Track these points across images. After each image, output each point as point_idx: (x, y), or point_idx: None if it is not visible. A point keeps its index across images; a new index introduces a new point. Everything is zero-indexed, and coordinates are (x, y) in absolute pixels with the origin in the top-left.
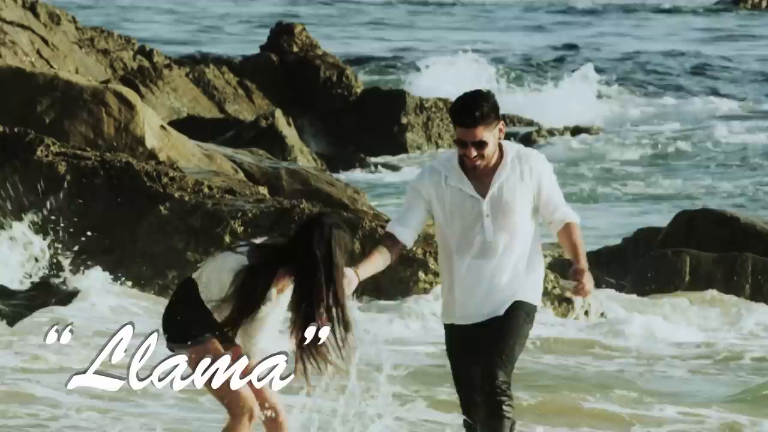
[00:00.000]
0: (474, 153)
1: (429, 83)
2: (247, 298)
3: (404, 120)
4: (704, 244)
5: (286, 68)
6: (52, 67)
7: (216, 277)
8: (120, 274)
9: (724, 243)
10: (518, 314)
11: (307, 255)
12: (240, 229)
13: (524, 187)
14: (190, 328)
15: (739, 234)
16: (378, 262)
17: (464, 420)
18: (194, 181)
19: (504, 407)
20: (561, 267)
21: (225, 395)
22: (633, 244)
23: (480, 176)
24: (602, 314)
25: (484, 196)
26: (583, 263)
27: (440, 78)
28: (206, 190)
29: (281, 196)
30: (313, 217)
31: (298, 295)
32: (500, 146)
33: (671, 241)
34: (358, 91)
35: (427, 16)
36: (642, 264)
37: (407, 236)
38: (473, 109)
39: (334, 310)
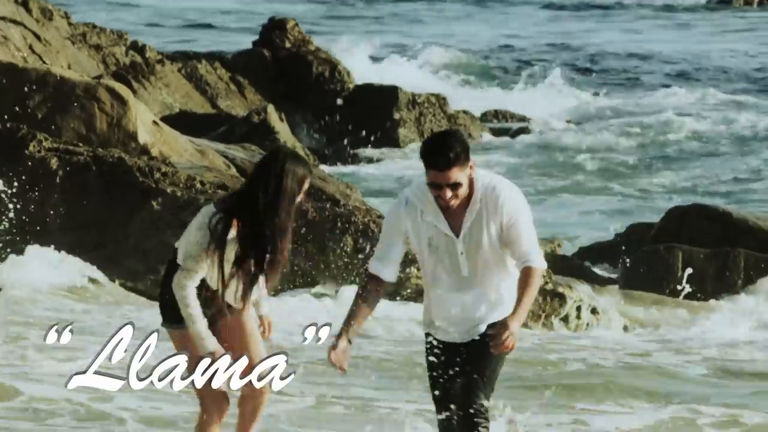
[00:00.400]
0: (449, 194)
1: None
2: (220, 244)
3: (396, 115)
4: (697, 239)
5: (278, 64)
6: (44, 62)
7: (185, 237)
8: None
9: (717, 238)
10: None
11: (260, 182)
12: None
13: (493, 224)
14: (177, 307)
15: (732, 229)
16: (366, 312)
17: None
18: (186, 177)
19: (480, 429)
20: (554, 262)
21: (202, 388)
22: (625, 240)
23: (453, 213)
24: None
25: (458, 233)
26: (517, 317)
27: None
28: (198, 185)
29: None
30: (270, 151)
31: (246, 217)
32: (471, 181)
33: (663, 237)
34: (351, 86)
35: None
36: (634, 259)
37: (391, 274)
38: (447, 151)
39: (276, 234)
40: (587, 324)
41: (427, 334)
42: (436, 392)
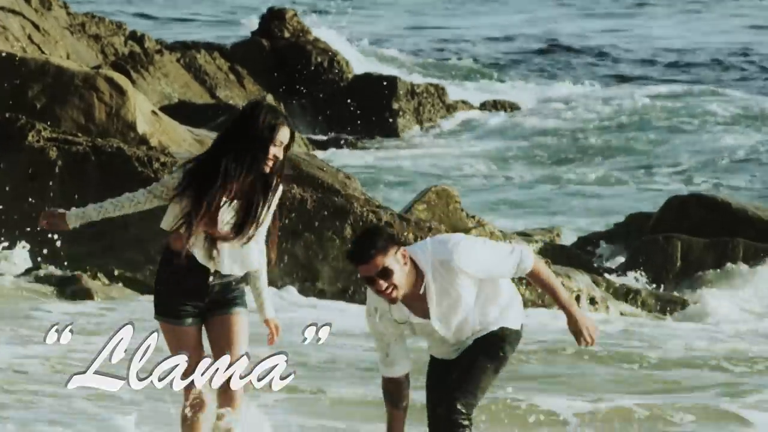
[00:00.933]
0: (384, 285)
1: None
2: (199, 184)
3: (395, 105)
4: (695, 229)
5: (277, 53)
6: (43, 52)
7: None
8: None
9: (716, 228)
10: (486, 343)
11: (232, 128)
12: None
13: (461, 287)
14: (162, 299)
15: (731, 219)
16: (400, 416)
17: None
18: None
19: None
20: (553, 251)
21: (170, 351)
22: (624, 229)
23: (414, 298)
24: None
25: (427, 316)
26: (567, 305)
27: None
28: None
29: None
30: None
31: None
32: (416, 267)
33: (662, 227)
34: (350, 76)
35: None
36: (633, 249)
37: (401, 370)
38: (365, 244)
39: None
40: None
41: None
42: (429, 400)
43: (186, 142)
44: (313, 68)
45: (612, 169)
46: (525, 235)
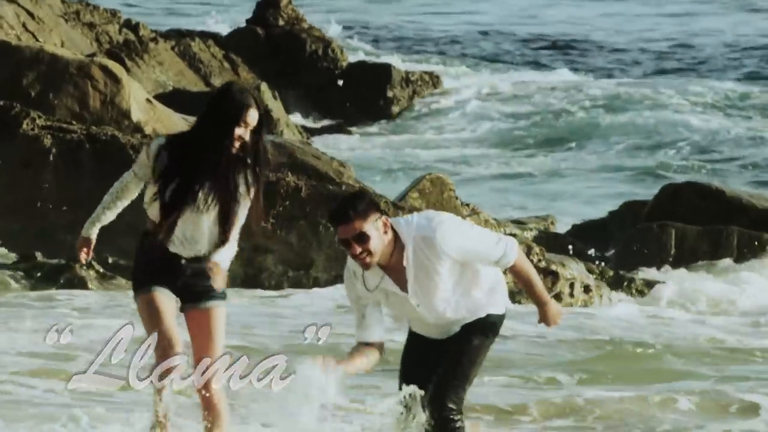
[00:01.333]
0: (358, 249)
1: None
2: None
3: (390, 93)
4: (689, 217)
5: (271, 41)
6: (37, 40)
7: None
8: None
9: (710, 216)
10: (474, 332)
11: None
12: None
13: (441, 265)
14: (137, 275)
15: (724, 207)
16: (360, 358)
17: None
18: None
19: (452, 426)
20: (547, 240)
21: (145, 328)
22: (618, 218)
23: (393, 269)
24: None
25: (405, 289)
26: (543, 301)
27: None
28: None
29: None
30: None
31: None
32: (397, 235)
33: (656, 215)
34: (344, 64)
35: None
36: (627, 237)
37: (377, 335)
38: (347, 206)
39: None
40: (582, 302)
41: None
42: (403, 372)
43: (180, 129)
44: (307, 56)
45: (604, 155)
46: (519, 223)
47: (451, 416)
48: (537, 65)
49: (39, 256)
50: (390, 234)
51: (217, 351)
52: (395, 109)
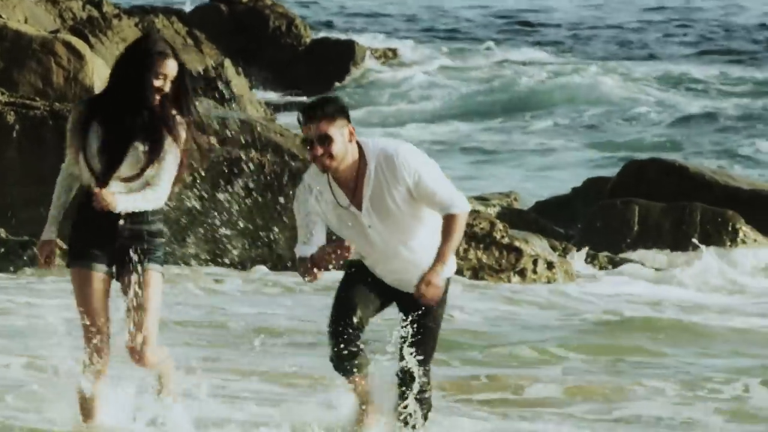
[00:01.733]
0: (320, 150)
1: None
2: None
3: (353, 69)
4: (653, 193)
5: (235, 18)
6: (0, 16)
7: None
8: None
9: (673, 193)
10: (439, 304)
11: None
12: (188, 179)
13: (397, 189)
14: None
15: (688, 183)
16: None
17: (330, 325)
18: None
19: (424, 398)
20: (510, 216)
21: (76, 302)
22: (582, 194)
23: (351, 186)
24: None
25: (360, 207)
26: (436, 270)
27: None
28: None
29: (230, 145)
30: None
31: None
32: (362, 150)
33: (620, 191)
34: (308, 41)
35: None
36: (591, 214)
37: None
38: (316, 108)
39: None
40: (545, 278)
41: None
42: (344, 301)
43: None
44: (270, 32)
45: (566, 131)
46: (482, 199)
47: (424, 388)
48: (498, 41)
49: (2, 232)
50: (354, 146)
51: (152, 315)
52: (355, 83)
